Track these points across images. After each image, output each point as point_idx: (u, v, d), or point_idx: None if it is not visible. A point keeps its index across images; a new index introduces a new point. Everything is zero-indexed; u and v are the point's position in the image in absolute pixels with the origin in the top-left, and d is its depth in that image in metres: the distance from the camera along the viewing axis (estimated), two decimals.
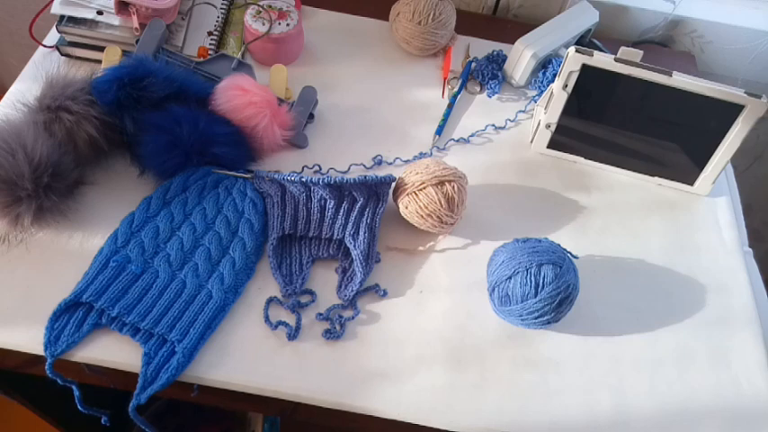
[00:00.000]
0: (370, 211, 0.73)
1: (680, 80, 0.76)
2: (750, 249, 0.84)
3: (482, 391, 0.65)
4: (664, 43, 1.11)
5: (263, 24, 0.89)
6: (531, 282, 0.64)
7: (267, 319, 0.67)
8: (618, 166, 0.86)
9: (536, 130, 0.85)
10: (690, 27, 1.08)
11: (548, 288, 0.64)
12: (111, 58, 0.82)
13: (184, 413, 1.23)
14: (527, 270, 0.65)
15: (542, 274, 0.64)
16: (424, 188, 0.71)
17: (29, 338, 0.63)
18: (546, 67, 0.94)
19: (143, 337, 0.63)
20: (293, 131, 0.81)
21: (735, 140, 0.79)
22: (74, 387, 0.63)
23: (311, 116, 0.85)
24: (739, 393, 0.68)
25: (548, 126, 0.84)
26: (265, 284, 0.70)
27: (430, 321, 0.69)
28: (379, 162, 0.82)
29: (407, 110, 0.90)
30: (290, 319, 0.68)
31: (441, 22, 0.92)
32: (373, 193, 0.74)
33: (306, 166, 0.81)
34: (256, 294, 0.69)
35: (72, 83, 0.73)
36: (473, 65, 0.96)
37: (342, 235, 0.72)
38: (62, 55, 0.87)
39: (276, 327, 0.66)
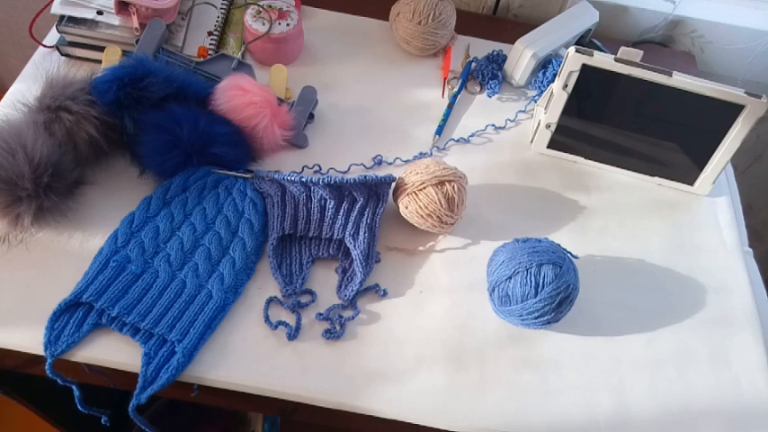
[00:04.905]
0: (370, 211, 0.73)
1: (680, 80, 0.76)
2: (750, 249, 0.84)
3: (482, 392, 0.65)
4: (664, 43, 1.11)
5: (263, 24, 0.89)
6: (531, 282, 0.64)
7: (267, 319, 0.67)
8: (618, 166, 0.86)
9: (536, 130, 0.85)
10: (690, 27, 1.08)
11: (548, 288, 0.64)
12: (111, 58, 0.82)
13: (184, 413, 1.23)
14: (527, 270, 0.65)
15: (542, 274, 0.64)
16: (424, 188, 0.71)
17: (29, 338, 0.63)
18: (546, 67, 0.93)
19: (143, 337, 0.63)
20: (293, 131, 0.81)
21: (735, 140, 0.79)
22: (74, 387, 0.63)
23: (311, 116, 0.85)
24: (739, 393, 0.68)
25: (548, 126, 0.84)
26: (265, 284, 0.70)
27: (430, 321, 0.69)
28: (379, 162, 0.82)
29: (407, 110, 0.90)
30: (290, 319, 0.68)
31: (441, 22, 0.92)
32: (373, 193, 0.74)
33: (306, 166, 0.81)
34: (256, 294, 0.69)
35: (72, 83, 0.73)
36: (473, 65, 0.96)
37: (342, 235, 0.72)
38: (62, 55, 0.87)
39: (276, 327, 0.66)
